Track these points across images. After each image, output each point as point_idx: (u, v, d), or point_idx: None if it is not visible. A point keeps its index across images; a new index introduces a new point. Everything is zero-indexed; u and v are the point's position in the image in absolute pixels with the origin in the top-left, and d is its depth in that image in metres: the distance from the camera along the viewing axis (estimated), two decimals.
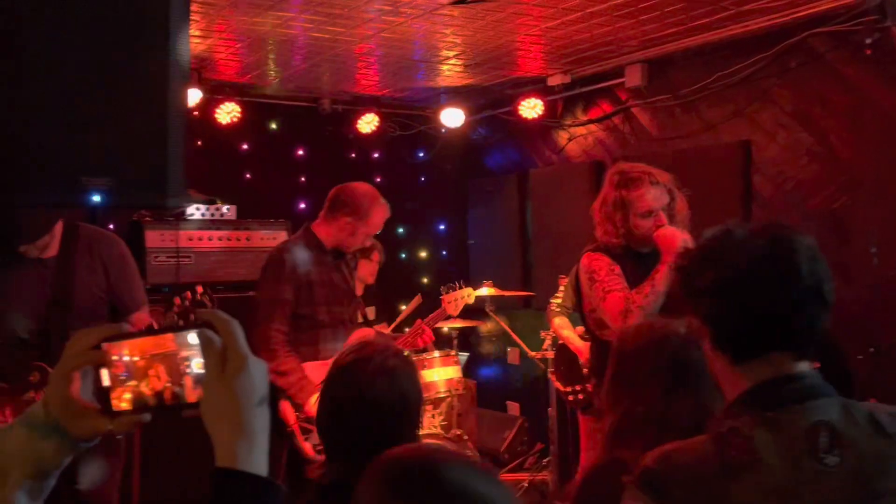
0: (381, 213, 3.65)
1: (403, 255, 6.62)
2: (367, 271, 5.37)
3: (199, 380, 0.97)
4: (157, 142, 1.80)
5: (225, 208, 5.16)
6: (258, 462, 0.94)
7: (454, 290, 4.26)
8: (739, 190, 4.89)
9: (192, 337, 0.97)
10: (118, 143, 1.77)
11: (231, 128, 5.86)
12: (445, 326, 5.57)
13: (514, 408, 6.55)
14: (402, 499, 1.08)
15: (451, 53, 5.23)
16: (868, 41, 4.14)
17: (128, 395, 1.00)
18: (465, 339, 6.76)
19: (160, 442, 4.32)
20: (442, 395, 4.94)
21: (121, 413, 1.01)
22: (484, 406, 6.44)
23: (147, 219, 4.82)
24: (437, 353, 4.94)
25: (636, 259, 3.12)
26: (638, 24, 4.56)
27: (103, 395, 1.01)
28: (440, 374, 4.89)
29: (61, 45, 1.69)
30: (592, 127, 5.93)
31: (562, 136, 6.15)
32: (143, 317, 2.96)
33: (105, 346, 1.01)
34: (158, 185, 1.81)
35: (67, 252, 2.81)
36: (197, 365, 0.97)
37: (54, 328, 2.73)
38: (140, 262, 4.72)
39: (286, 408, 3.43)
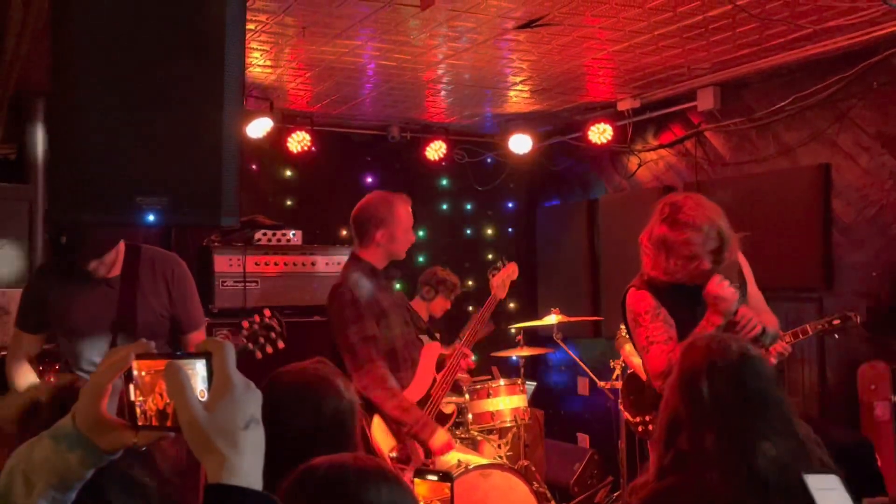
0: (402, 206, 3.58)
1: (471, 282, 6.57)
2: (439, 307, 5.39)
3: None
4: (211, 162, 1.82)
5: (291, 233, 5.23)
6: (249, 478, 0.96)
7: (498, 270, 3.97)
8: (819, 216, 4.70)
9: (199, 364, 1.00)
10: (173, 164, 1.80)
11: (302, 156, 5.96)
12: (514, 355, 5.50)
13: (584, 439, 6.41)
14: None
15: (518, 79, 5.21)
16: None
17: (140, 411, 1.04)
18: (533, 368, 6.66)
19: None
20: (507, 425, 4.85)
21: (143, 427, 1.04)
22: (554, 437, 6.31)
23: (216, 244, 4.91)
24: (502, 382, 4.87)
25: (684, 294, 2.94)
26: (709, 45, 4.45)
27: (130, 408, 1.04)
28: (506, 402, 4.80)
29: (118, 69, 1.73)
30: (663, 152, 5.81)
31: (632, 162, 6.04)
32: (200, 337, 2.99)
33: (133, 362, 1.04)
34: (212, 204, 1.82)
35: (131, 272, 2.87)
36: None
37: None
38: (209, 287, 4.84)
39: (377, 440, 3.37)
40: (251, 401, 0.99)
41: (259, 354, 3.02)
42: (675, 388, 1.87)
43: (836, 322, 3.80)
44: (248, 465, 0.96)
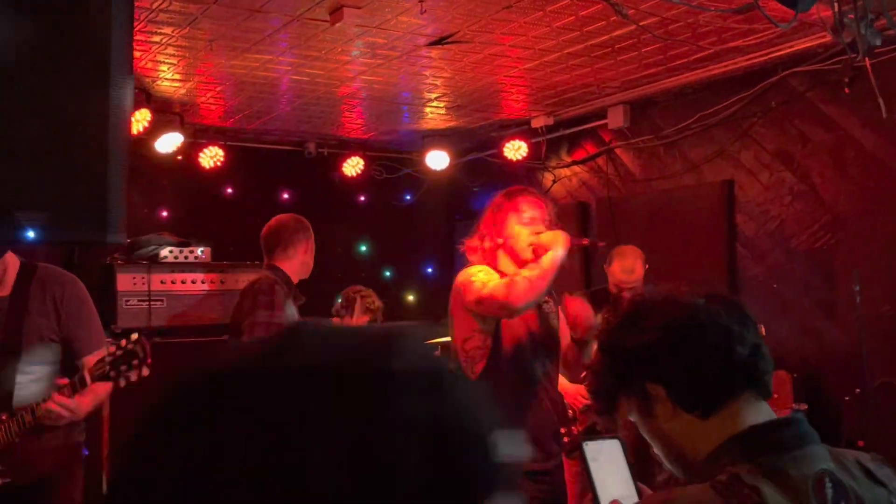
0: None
1: (385, 300, 6.53)
2: (363, 320, 5.34)
3: None
4: (96, 176, 1.76)
5: (199, 251, 5.08)
6: None
7: None
8: (723, 229, 4.86)
9: None
10: (56, 178, 1.73)
11: (214, 172, 5.84)
12: None
13: None
14: None
15: (433, 96, 5.23)
16: (846, 80, 4.14)
17: None
18: None
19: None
20: None
21: None
22: None
23: (119, 262, 4.75)
24: None
25: None
26: (616, 64, 4.56)
27: None
28: None
29: None
30: (577, 168, 5.92)
31: (546, 178, 6.13)
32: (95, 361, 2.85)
33: None
34: (97, 218, 1.76)
35: (20, 292, 2.72)
36: None
37: (1, 372, 2.66)
38: (111, 306, 4.66)
39: None
40: None
41: (122, 383, 2.66)
42: None
43: None
44: None
